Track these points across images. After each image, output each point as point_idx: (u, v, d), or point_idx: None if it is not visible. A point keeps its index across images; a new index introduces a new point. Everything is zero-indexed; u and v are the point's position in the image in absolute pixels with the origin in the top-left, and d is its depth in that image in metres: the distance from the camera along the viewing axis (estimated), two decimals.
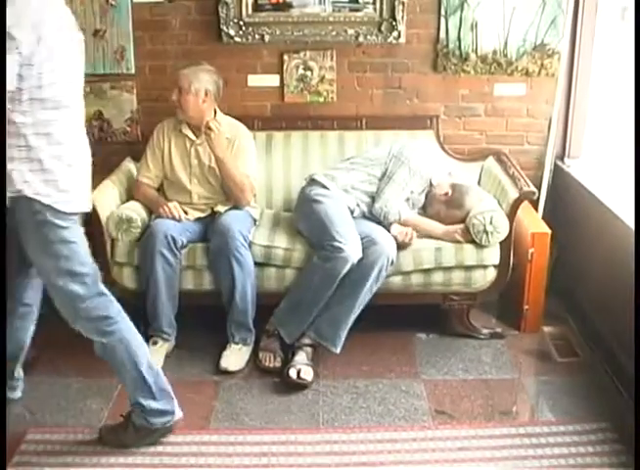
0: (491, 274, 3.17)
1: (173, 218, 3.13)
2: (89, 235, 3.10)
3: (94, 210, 3.06)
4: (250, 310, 3.09)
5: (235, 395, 2.88)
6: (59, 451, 2.52)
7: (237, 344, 3.08)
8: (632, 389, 2.72)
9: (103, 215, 3.09)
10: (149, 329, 3.10)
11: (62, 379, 2.98)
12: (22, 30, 2.01)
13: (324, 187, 3.24)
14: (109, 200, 3.19)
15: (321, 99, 3.72)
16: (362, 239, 3.01)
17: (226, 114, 3.42)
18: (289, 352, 3.04)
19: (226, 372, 3.00)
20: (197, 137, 3.22)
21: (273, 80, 3.70)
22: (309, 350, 3.02)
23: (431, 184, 3.28)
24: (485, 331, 3.31)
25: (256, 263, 3.11)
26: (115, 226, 3.09)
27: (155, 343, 3.09)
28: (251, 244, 3.11)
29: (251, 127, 3.62)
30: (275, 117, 3.72)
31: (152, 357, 2.80)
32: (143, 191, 3.29)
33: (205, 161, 3.24)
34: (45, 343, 3.23)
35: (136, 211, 3.16)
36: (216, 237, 3.07)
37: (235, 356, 3.05)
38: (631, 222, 2.81)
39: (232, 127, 3.30)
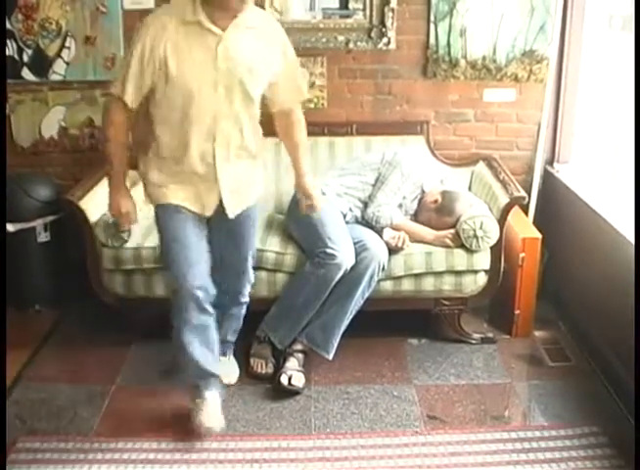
0: (482, 279, 3.18)
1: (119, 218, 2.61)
2: (81, 242, 3.15)
3: (83, 216, 3.07)
4: (237, 331, 3.04)
5: (226, 401, 2.86)
6: (49, 459, 2.51)
7: (223, 356, 3.01)
8: (623, 393, 2.74)
9: (92, 221, 3.09)
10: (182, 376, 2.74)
11: (52, 386, 2.97)
12: None
13: None
14: (98, 206, 3.17)
15: (311, 105, 3.72)
16: (354, 244, 3.02)
17: None
18: (280, 359, 3.04)
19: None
20: (223, 30, 2.32)
21: None
22: (301, 356, 3.02)
23: (423, 191, 3.29)
24: (477, 336, 3.31)
25: None
26: (104, 231, 3.08)
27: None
28: None
29: None
30: (266, 124, 3.70)
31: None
32: (117, 124, 2.44)
33: (240, 60, 2.35)
34: (35, 348, 3.24)
35: None
36: (227, 276, 2.75)
37: (227, 367, 3.00)
38: (621, 226, 2.83)
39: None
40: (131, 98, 2.35)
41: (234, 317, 2.94)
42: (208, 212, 2.53)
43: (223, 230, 2.61)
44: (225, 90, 2.35)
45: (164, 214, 2.53)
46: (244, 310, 2.95)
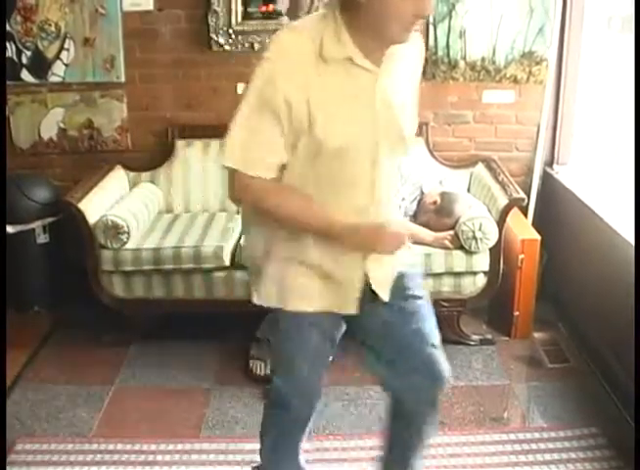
0: (481, 281, 3.18)
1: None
2: (80, 243, 3.15)
3: (82, 217, 3.07)
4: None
5: (226, 402, 2.87)
6: (48, 461, 2.51)
7: None
8: (623, 394, 2.74)
9: (91, 223, 3.09)
10: None
11: (51, 387, 2.97)
12: None
13: None
14: (98, 208, 3.18)
15: None
16: None
17: (216, 123, 3.42)
18: None
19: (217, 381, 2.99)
20: (377, 65, 1.68)
21: None
22: None
23: (422, 192, 3.30)
24: (476, 337, 3.31)
25: (247, 268, 3.09)
26: (104, 233, 3.08)
27: None
28: (242, 248, 3.10)
29: None
30: None
31: None
32: (273, 192, 1.73)
33: (397, 100, 1.76)
34: (35, 350, 3.24)
35: (123, 216, 3.13)
36: (414, 376, 1.90)
37: None
38: (620, 228, 2.83)
39: None
40: (270, 171, 1.68)
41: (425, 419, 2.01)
42: (356, 310, 1.86)
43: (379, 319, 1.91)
44: (384, 141, 1.74)
45: (295, 325, 1.90)
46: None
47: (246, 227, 1.99)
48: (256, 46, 3.59)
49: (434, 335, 1.90)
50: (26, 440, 2.62)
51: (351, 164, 1.71)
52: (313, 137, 1.64)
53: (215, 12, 3.51)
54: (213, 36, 3.55)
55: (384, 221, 1.75)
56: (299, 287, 1.83)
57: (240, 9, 3.55)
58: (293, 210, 1.72)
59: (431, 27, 3.58)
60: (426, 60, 3.60)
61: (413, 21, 1.59)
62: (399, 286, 1.89)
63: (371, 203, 1.78)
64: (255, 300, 1.93)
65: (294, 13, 3.56)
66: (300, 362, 1.95)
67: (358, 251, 1.76)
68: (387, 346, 1.93)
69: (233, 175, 1.70)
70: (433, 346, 1.89)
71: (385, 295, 1.86)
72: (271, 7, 3.57)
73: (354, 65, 1.64)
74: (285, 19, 3.57)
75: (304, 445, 2.54)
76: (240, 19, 3.56)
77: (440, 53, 3.61)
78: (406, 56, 1.77)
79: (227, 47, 3.58)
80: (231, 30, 3.55)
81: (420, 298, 1.93)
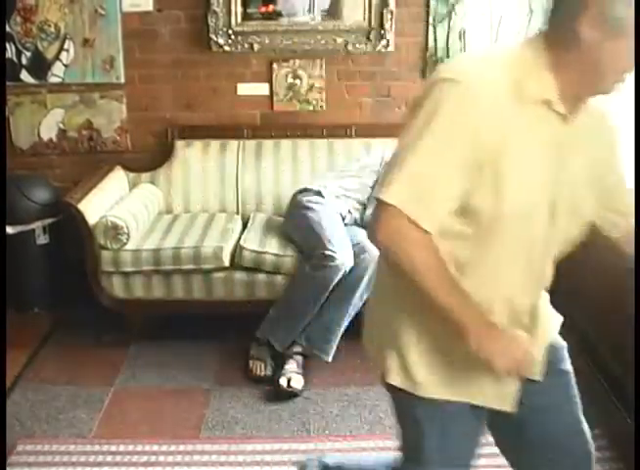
0: None
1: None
2: (80, 244, 3.15)
3: (82, 218, 3.07)
4: None
5: (226, 403, 2.87)
6: (49, 462, 2.50)
7: None
8: (623, 395, 2.74)
9: (91, 223, 3.09)
10: None
11: (51, 387, 2.96)
12: None
13: (317, 194, 3.25)
14: (97, 208, 3.18)
15: (310, 107, 3.73)
16: (353, 246, 3.02)
17: (215, 124, 3.42)
18: (279, 361, 3.03)
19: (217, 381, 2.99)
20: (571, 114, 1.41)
21: (262, 89, 3.70)
22: (300, 358, 3.02)
23: None
24: None
25: (246, 269, 3.12)
26: (103, 234, 3.08)
27: None
28: (241, 249, 3.11)
29: (240, 136, 3.65)
30: (265, 126, 3.73)
31: None
32: (424, 247, 1.37)
33: (587, 163, 1.49)
34: (35, 350, 3.24)
35: (123, 217, 3.13)
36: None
37: None
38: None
39: None
40: (435, 223, 1.35)
41: None
42: (513, 407, 1.57)
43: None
44: (563, 211, 1.44)
45: (444, 416, 1.58)
46: None
47: (385, 283, 1.59)
48: (256, 47, 3.60)
49: (581, 414, 1.75)
50: (27, 441, 2.62)
51: (525, 230, 1.39)
52: (494, 188, 1.33)
53: (215, 12, 3.52)
54: (213, 37, 3.56)
55: (520, 334, 1.46)
56: (462, 376, 1.52)
57: (239, 9, 3.55)
58: (434, 276, 1.37)
59: (430, 28, 3.58)
60: (425, 60, 3.64)
61: (623, 72, 1.38)
62: (549, 360, 1.65)
63: (529, 283, 1.49)
64: (388, 378, 1.57)
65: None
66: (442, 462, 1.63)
67: (475, 351, 1.38)
68: (531, 430, 1.68)
69: (383, 211, 1.35)
70: (583, 424, 1.72)
71: (537, 374, 1.59)
72: (271, 8, 3.58)
73: (550, 110, 1.37)
74: (285, 19, 3.58)
75: (301, 446, 2.58)
76: (239, 19, 3.57)
77: (440, 53, 3.61)
78: (599, 123, 1.59)
79: (227, 48, 3.59)
80: (231, 31, 3.56)
81: (569, 373, 1.73)
